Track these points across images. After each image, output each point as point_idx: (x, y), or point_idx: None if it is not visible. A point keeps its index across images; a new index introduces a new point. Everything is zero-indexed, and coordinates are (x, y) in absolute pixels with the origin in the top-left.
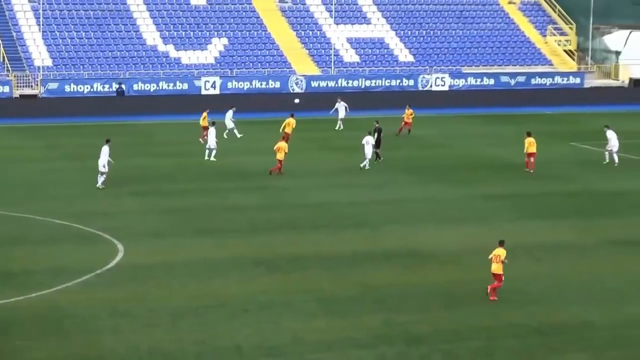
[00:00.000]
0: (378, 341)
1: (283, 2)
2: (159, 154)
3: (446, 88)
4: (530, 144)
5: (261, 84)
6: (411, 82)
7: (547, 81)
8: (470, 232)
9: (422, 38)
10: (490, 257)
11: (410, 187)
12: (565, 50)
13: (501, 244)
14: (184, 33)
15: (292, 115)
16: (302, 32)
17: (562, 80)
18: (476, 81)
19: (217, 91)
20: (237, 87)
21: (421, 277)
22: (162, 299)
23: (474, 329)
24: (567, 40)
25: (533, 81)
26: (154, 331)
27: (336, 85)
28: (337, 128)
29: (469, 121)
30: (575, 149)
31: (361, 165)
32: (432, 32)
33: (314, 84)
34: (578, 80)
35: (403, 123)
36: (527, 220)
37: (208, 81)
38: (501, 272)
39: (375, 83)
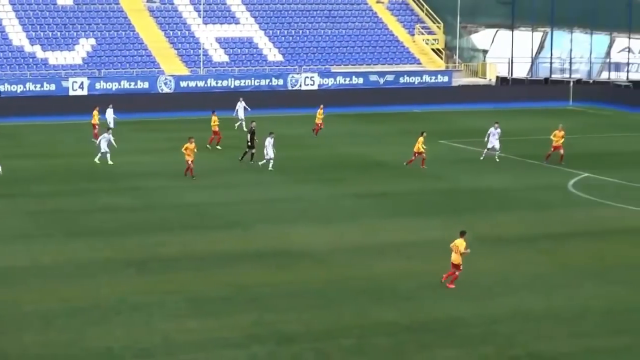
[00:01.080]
0: (249, 341)
1: (151, 2)
2: (28, 156)
3: (315, 87)
4: (419, 143)
5: (130, 85)
6: (280, 82)
7: (416, 80)
8: (341, 230)
9: (291, 37)
10: (451, 245)
11: (281, 186)
12: (433, 49)
13: (462, 234)
14: (50, 33)
15: (213, 112)
16: (171, 32)
17: (431, 78)
18: (345, 80)
19: (85, 92)
20: (105, 87)
21: (292, 276)
22: (32, 302)
23: (345, 327)
24: (435, 39)
25: (402, 80)
26: (24, 335)
27: (205, 85)
28: (236, 128)
29: (338, 120)
30: (444, 146)
31: (260, 163)
32: (300, 31)
33: (183, 84)
34: (446, 79)
35: (316, 124)
36: (397, 218)
37: (76, 82)
38: (459, 262)
39: (245, 83)
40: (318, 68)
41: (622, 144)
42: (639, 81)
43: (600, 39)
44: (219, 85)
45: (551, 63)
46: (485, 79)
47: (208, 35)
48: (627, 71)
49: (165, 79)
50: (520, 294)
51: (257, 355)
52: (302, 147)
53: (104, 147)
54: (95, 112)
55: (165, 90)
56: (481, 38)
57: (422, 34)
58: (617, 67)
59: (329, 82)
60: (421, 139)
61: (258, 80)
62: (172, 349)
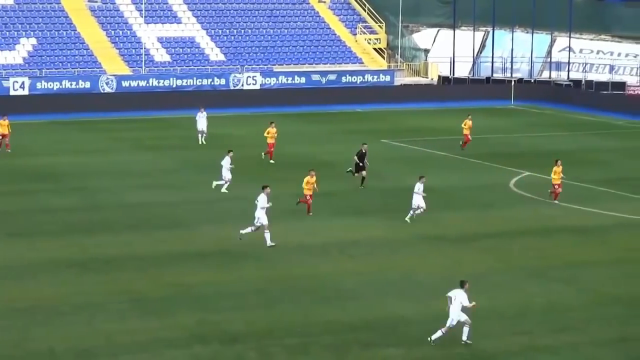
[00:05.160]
0: (192, 341)
1: (92, 2)
2: None
3: (257, 87)
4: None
5: (71, 84)
6: (222, 81)
7: (358, 79)
8: (285, 230)
9: (233, 37)
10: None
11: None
12: (375, 49)
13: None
14: None
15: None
16: (112, 32)
17: (373, 78)
18: (287, 80)
19: (26, 92)
20: (46, 87)
21: (235, 276)
22: None
23: (289, 327)
24: (377, 39)
25: (344, 79)
26: None
27: (147, 85)
28: (201, 142)
29: (281, 120)
30: (386, 146)
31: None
32: (242, 31)
33: (125, 83)
34: (388, 78)
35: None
36: (341, 217)
37: (17, 82)
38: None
39: (187, 82)
40: (260, 68)
41: (563, 142)
42: (580, 80)
43: (541, 39)
44: (160, 85)
45: (492, 62)
46: (427, 78)
47: (150, 35)
48: (568, 70)
49: (107, 78)
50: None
51: (200, 355)
52: (245, 147)
53: None
54: (4, 122)
55: (107, 90)
56: (423, 37)
57: (364, 33)
58: (558, 66)
59: (271, 81)
60: (556, 168)
61: (200, 80)
62: (115, 350)
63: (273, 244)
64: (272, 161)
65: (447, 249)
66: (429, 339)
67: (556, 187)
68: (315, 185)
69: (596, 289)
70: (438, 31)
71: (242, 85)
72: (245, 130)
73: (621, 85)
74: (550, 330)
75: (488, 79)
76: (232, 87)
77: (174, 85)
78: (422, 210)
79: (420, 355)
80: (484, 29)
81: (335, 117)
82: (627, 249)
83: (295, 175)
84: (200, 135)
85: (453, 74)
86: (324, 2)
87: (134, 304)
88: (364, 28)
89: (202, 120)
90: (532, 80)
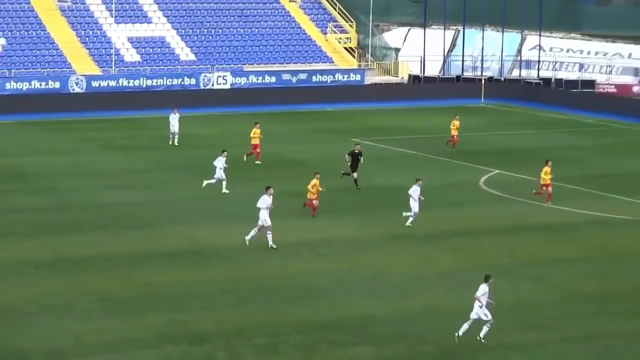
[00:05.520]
0: (162, 341)
1: (62, 2)
2: None
3: (228, 86)
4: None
5: (41, 84)
6: (193, 81)
7: (328, 78)
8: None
9: (203, 37)
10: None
11: (195, 186)
12: (345, 48)
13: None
14: None
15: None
16: (82, 32)
17: (343, 77)
18: (258, 79)
19: None
20: (16, 87)
21: (205, 275)
22: None
23: (258, 326)
24: (347, 38)
25: (314, 78)
26: None
27: (117, 85)
28: (172, 143)
29: (251, 120)
30: None
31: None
32: (213, 30)
33: (95, 83)
34: (359, 77)
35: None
36: (311, 216)
37: None
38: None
39: (157, 82)
40: (230, 67)
41: (532, 141)
42: (550, 79)
43: (512, 37)
44: (130, 85)
45: (463, 61)
46: (398, 77)
47: (120, 34)
48: (538, 69)
49: (77, 78)
50: (433, 291)
51: (170, 355)
52: (215, 146)
53: None
54: None
55: (77, 90)
56: (393, 36)
57: (335, 32)
58: (528, 64)
59: (242, 81)
60: (547, 168)
61: (170, 80)
62: (83, 350)
63: (275, 246)
64: (258, 162)
65: (416, 247)
66: (477, 337)
67: (546, 188)
68: (320, 188)
69: (565, 286)
70: (409, 30)
71: (213, 84)
72: (216, 130)
73: (591, 84)
74: (519, 327)
75: (458, 77)
76: (202, 87)
77: (144, 85)
78: (414, 214)
79: (389, 353)
80: (455, 27)
81: (306, 116)
82: (597, 247)
83: (265, 174)
84: (172, 136)
85: (423, 73)
86: (295, 1)
87: (103, 304)
88: (335, 27)
89: (174, 122)
90: (502, 79)
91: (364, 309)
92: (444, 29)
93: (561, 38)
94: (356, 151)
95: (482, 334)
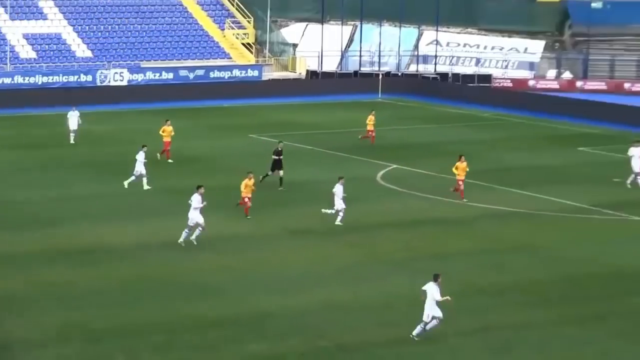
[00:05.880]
0: (57, 340)
1: None
2: None
3: (125, 83)
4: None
5: None
6: (89, 78)
7: (226, 74)
8: (151, 227)
9: (100, 33)
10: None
11: (91, 184)
12: (243, 44)
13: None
14: None
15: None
16: None
17: (241, 73)
18: (155, 75)
19: None
20: None
21: (101, 273)
22: None
23: (155, 324)
24: (245, 34)
25: (212, 75)
26: None
27: (12, 82)
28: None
29: (148, 116)
30: (254, 141)
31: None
32: (110, 27)
33: None
34: (256, 73)
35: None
36: (206, 213)
37: None
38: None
39: (53, 79)
40: (127, 64)
41: (429, 135)
42: (447, 73)
43: (409, 32)
44: (26, 82)
45: (360, 56)
46: (295, 73)
47: (15, 31)
48: (435, 64)
49: None
50: (330, 286)
51: (65, 354)
52: (112, 143)
53: None
54: None
55: None
56: (291, 32)
57: (233, 28)
58: (425, 59)
59: (139, 77)
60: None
61: (66, 77)
62: None
63: (191, 242)
64: (170, 161)
65: (314, 243)
66: (410, 335)
67: (460, 183)
68: (253, 187)
69: (462, 279)
70: (306, 26)
71: (109, 81)
72: (113, 127)
73: (487, 78)
74: (416, 321)
75: (356, 72)
76: (99, 84)
77: (40, 83)
78: (335, 211)
79: (285, 349)
80: (352, 23)
81: (203, 112)
82: (492, 240)
83: (162, 171)
84: (71, 134)
85: (321, 68)
86: None
87: None
88: (232, 23)
89: (73, 119)
90: (400, 74)
91: (261, 306)
92: (342, 25)
93: (458, 33)
94: (279, 149)
95: (425, 328)
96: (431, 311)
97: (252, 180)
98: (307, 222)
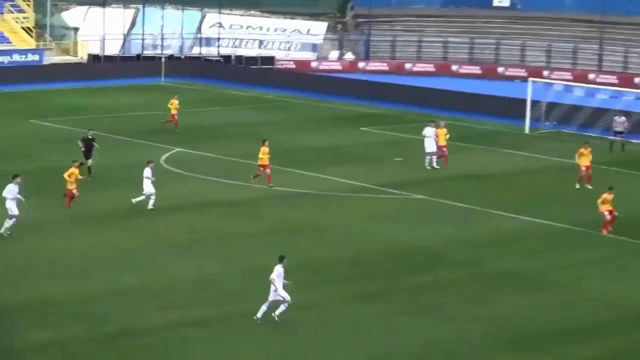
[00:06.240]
0: None
1: None
2: None
3: None
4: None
5: None
6: None
7: (6, 59)
8: None
9: None
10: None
11: None
12: (23, 28)
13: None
14: None
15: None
16: None
17: (21, 57)
18: None
19: None
20: None
21: None
22: None
23: None
24: (25, 18)
25: None
26: None
27: None
28: None
29: None
30: (35, 125)
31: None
32: None
33: None
34: (37, 58)
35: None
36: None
37: None
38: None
39: None
40: None
41: (213, 118)
42: (230, 56)
43: (192, 15)
44: None
45: (143, 40)
46: (77, 57)
47: None
48: (218, 46)
49: None
50: (114, 271)
51: None
52: None
53: None
54: None
55: None
56: (72, 16)
57: (12, 12)
58: (209, 42)
59: None
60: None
61: None
62: None
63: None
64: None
65: (97, 228)
66: (254, 317)
67: (263, 169)
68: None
69: (247, 261)
70: (88, 9)
71: None
72: None
73: (270, 60)
74: (200, 303)
75: (139, 56)
76: None
77: None
78: (145, 196)
79: (70, 336)
80: (135, 6)
81: None
82: (278, 221)
83: None
84: None
85: (103, 52)
86: None
87: None
88: (12, 7)
89: None
90: (183, 57)
91: (44, 293)
92: (124, 8)
93: (241, 15)
94: (89, 137)
95: (277, 312)
96: (283, 293)
97: (78, 170)
98: (89, 208)
